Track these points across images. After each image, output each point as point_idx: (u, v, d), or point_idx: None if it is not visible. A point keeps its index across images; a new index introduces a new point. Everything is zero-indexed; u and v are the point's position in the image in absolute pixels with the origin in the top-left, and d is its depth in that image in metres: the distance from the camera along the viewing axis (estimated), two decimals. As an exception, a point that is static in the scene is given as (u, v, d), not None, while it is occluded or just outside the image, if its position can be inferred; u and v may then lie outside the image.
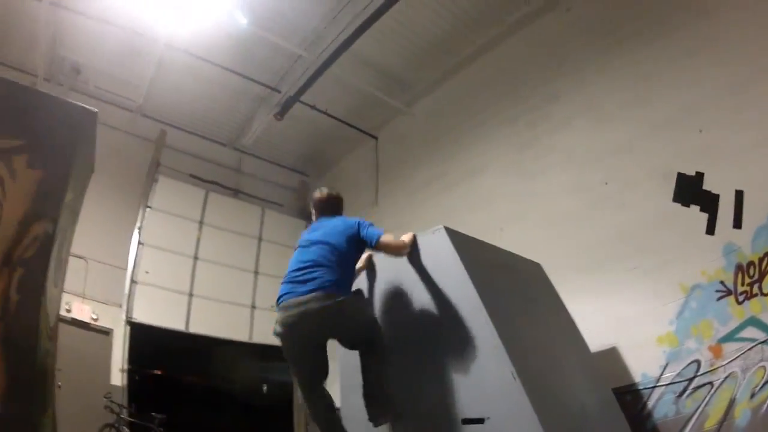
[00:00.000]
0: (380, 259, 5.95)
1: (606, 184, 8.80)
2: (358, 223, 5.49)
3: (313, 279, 4.93)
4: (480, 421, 4.62)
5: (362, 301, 5.28)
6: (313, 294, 4.84)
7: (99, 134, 5.34)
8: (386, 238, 5.38)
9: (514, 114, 10.99)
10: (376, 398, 5.02)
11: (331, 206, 5.99)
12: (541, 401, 4.47)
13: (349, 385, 5.65)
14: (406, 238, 5.68)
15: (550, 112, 10.20)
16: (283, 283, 5.20)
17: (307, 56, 12.02)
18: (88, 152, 5.05)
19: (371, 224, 5.52)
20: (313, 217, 6.03)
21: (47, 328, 4.43)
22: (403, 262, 5.66)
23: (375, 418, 4.97)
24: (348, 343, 5.40)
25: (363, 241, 5.46)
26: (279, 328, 4.99)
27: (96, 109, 4.98)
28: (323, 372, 5.22)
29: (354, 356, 5.36)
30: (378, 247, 5.43)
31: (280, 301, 5.06)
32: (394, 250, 5.52)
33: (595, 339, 7.46)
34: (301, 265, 5.15)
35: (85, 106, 4.92)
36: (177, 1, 10.71)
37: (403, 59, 12.97)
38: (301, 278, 5.01)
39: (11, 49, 12.36)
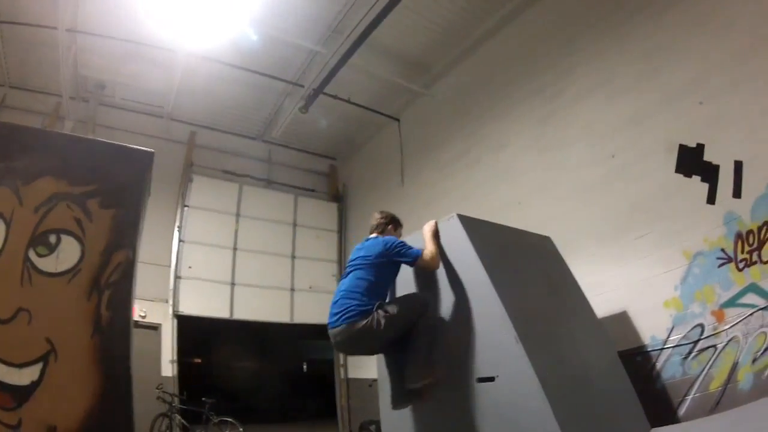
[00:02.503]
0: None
1: (613, 156, 9.04)
2: (393, 247, 6.01)
3: (341, 312, 5.70)
4: (491, 379, 5.34)
5: (380, 315, 5.63)
6: (340, 328, 5.67)
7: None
8: (422, 261, 5.95)
9: (530, 90, 11.15)
10: (415, 365, 5.64)
11: (376, 227, 6.62)
12: (542, 362, 5.12)
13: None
14: (429, 229, 6.25)
15: (566, 86, 10.33)
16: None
17: (325, 51, 12.41)
18: (148, 185, 5.67)
19: (406, 246, 6.03)
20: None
21: (132, 335, 5.13)
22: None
23: (410, 382, 5.59)
24: (387, 345, 6.05)
25: (402, 263, 6.12)
26: None
27: (152, 150, 5.64)
28: (390, 348, 6.09)
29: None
30: (416, 266, 6.13)
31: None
32: (429, 268, 6.09)
33: (608, 303, 8.03)
34: (337, 297, 5.93)
35: (142, 148, 5.59)
36: (192, 17, 11.10)
37: (419, 44, 13.27)
38: (335, 309, 5.81)
39: (35, 74, 13.11)
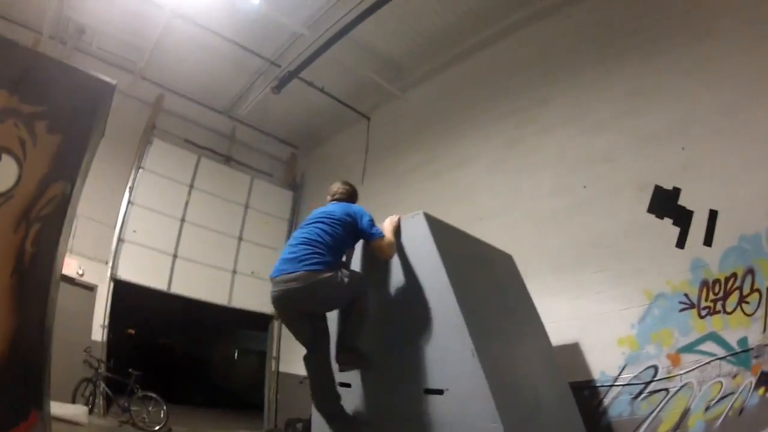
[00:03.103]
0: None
1: (585, 187, 8.94)
2: (361, 215, 5.64)
3: (299, 258, 5.15)
4: (439, 392, 4.93)
5: (344, 274, 5.27)
6: (298, 273, 5.08)
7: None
8: (381, 242, 5.55)
9: (504, 112, 11.10)
10: (346, 348, 5.34)
11: (344, 193, 6.19)
12: (497, 380, 4.76)
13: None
14: (390, 222, 5.83)
15: (539, 114, 10.32)
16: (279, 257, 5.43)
17: (309, 35, 12.15)
18: (104, 120, 5.28)
19: (372, 221, 5.66)
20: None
21: (57, 283, 4.71)
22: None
23: (341, 363, 5.33)
24: (330, 310, 5.66)
25: (359, 232, 5.66)
26: (271, 299, 5.32)
27: (115, 81, 5.14)
28: (314, 341, 5.46)
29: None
30: (371, 246, 5.68)
31: (272, 275, 5.30)
32: (383, 254, 5.66)
33: (561, 333, 7.77)
34: (293, 242, 5.39)
35: (104, 78, 5.09)
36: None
37: (402, 47, 13.10)
38: (289, 256, 5.23)
39: (19, 6, 12.46)
